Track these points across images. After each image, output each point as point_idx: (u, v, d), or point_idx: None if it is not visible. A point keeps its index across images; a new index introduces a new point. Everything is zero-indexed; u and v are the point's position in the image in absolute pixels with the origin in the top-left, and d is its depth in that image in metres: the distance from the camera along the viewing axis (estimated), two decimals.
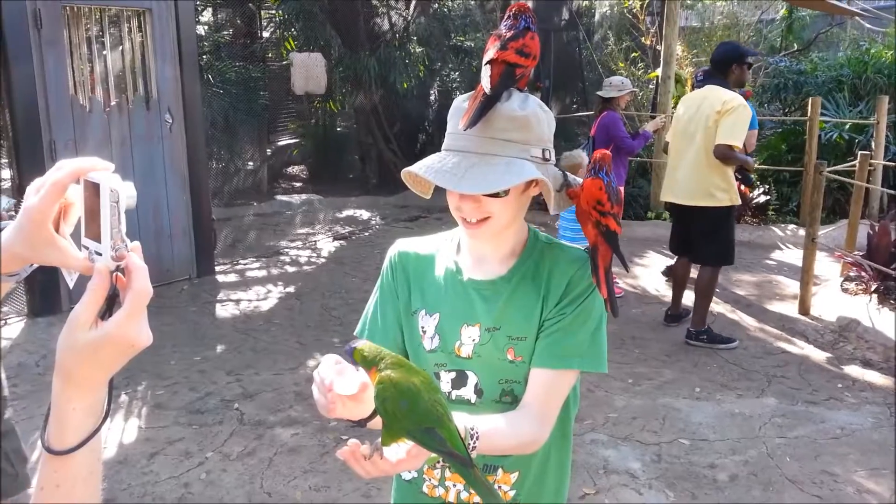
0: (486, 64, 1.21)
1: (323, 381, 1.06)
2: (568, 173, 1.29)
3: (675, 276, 5.01)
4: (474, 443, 1.07)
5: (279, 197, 9.29)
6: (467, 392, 1.28)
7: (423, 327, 1.31)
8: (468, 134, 1.18)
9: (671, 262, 6.06)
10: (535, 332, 1.26)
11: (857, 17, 11.52)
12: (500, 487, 1.29)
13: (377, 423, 1.19)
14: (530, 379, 1.25)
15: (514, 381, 1.27)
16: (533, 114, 1.20)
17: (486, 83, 1.18)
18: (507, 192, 1.20)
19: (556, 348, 1.23)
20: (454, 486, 1.30)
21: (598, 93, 5.83)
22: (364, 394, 1.10)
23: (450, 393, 1.29)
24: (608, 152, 1.28)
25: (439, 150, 1.23)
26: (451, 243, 1.36)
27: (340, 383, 1.06)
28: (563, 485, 1.39)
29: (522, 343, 1.26)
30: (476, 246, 1.31)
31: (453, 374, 1.29)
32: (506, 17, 1.25)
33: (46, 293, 4.87)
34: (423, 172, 1.18)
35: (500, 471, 1.29)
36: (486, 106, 1.17)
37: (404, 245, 1.40)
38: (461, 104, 1.22)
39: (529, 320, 1.26)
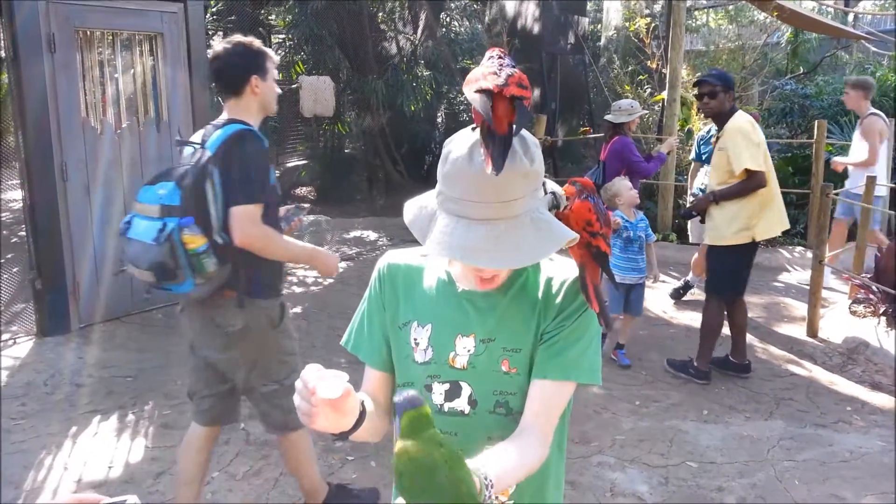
0: (480, 94, 1.14)
1: (306, 385, 1.05)
2: (556, 192, 1.28)
3: (742, 321, 4.49)
4: (489, 492, 1.05)
5: None
6: (461, 403, 1.28)
7: (415, 339, 1.31)
8: (485, 202, 1.12)
9: (678, 283, 6.06)
10: (531, 343, 1.26)
11: (862, 41, 11.59)
12: (497, 497, 1.29)
13: (360, 434, 1.19)
14: (531, 392, 1.24)
15: (508, 393, 1.27)
16: (537, 158, 1.17)
17: (496, 122, 1.12)
18: None
19: (558, 360, 1.23)
20: None
21: (608, 117, 5.66)
22: (346, 403, 1.10)
23: (443, 405, 1.28)
24: (591, 181, 1.31)
25: None
26: None
27: (324, 387, 1.05)
28: (560, 498, 1.40)
29: (517, 355, 1.26)
30: None
31: (447, 386, 1.28)
32: (488, 57, 1.21)
33: (55, 313, 4.90)
34: (456, 255, 1.13)
35: None
36: (508, 144, 1.12)
37: (394, 257, 1.39)
38: (463, 165, 1.14)
39: (525, 332, 1.26)
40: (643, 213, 4.72)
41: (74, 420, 3.73)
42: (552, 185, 1.27)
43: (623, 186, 4.54)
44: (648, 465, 3.40)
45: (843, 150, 7.89)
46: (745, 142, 4.07)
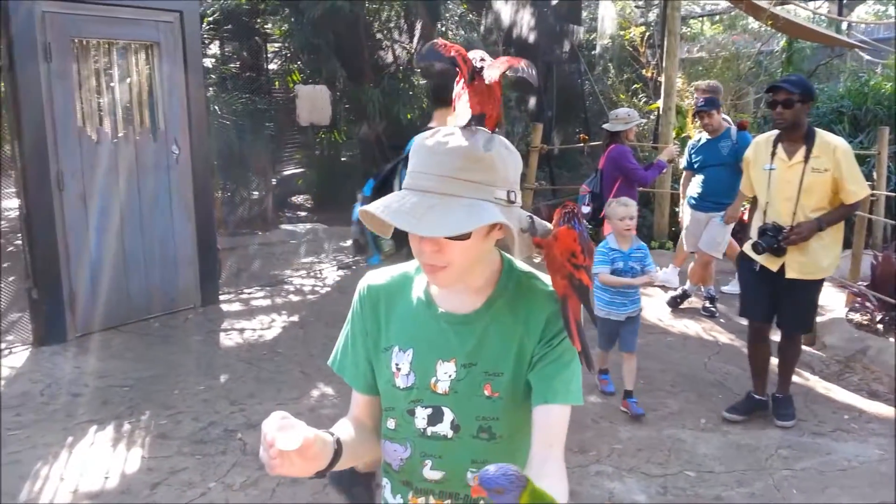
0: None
1: (265, 437, 1.06)
2: (534, 217, 1.26)
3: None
4: None
5: (284, 226, 9.33)
6: (444, 428, 1.26)
7: (396, 364, 1.29)
8: (430, 173, 1.14)
9: (675, 292, 6.07)
10: (512, 366, 1.24)
11: (856, 49, 11.65)
12: None
13: (343, 465, 1.22)
14: (536, 420, 1.20)
15: (491, 418, 1.25)
16: (498, 154, 1.16)
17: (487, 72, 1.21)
18: (468, 236, 1.15)
19: (555, 383, 1.21)
20: None
21: (605, 126, 5.65)
22: (310, 451, 1.11)
23: (425, 429, 1.27)
24: (576, 203, 1.29)
25: None
26: (422, 273, 1.30)
27: (283, 439, 1.06)
28: None
29: (499, 379, 1.24)
30: None
31: (430, 411, 1.27)
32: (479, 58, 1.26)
33: (52, 322, 4.88)
34: (381, 212, 1.14)
35: (482, 503, 1.28)
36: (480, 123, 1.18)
37: (373, 278, 1.37)
38: (423, 142, 1.18)
39: (507, 356, 1.24)
40: (641, 241, 4.12)
41: (71, 430, 3.71)
42: (536, 219, 1.26)
43: (614, 213, 3.97)
44: (647, 474, 3.39)
45: None
46: (855, 163, 3.72)
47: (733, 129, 5.63)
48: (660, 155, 5.97)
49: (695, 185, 5.74)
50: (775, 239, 3.74)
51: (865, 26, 14.50)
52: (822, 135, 3.77)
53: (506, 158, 1.18)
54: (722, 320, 5.74)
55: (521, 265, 1.32)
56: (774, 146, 3.83)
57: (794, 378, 4.61)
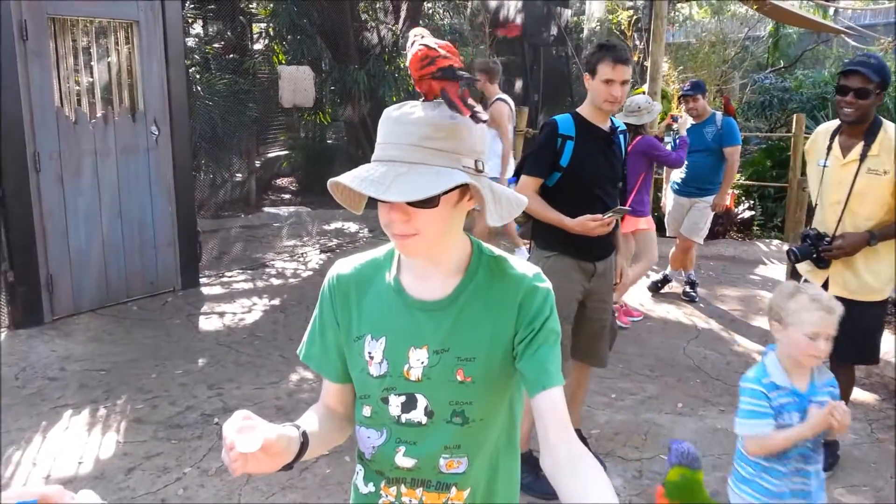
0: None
1: (225, 440, 1.07)
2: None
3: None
4: None
5: (267, 209, 9.28)
6: (417, 415, 1.26)
7: (369, 353, 1.28)
8: (397, 143, 1.15)
9: (657, 277, 6.09)
10: (485, 350, 1.24)
11: (842, 35, 11.66)
12: None
13: (310, 455, 1.23)
14: (540, 407, 1.19)
15: (464, 403, 1.25)
16: (463, 122, 1.17)
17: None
18: (437, 203, 1.15)
19: (549, 366, 1.21)
20: (410, 501, 1.29)
21: (629, 120, 4.89)
22: (273, 448, 1.11)
23: (399, 416, 1.27)
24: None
25: None
26: (392, 260, 1.31)
27: (242, 441, 1.07)
28: (515, 493, 1.39)
29: (472, 364, 1.24)
30: (418, 264, 1.27)
31: (403, 398, 1.26)
32: (420, 37, 1.25)
33: (28, 305, 4.84)
34: (350, 182, 1.13)
35: (453, 489, 1.28)
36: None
37: (343, 267, 1.35)
38: (390, 113, 1.18)
39: (479, 340, 1.24)
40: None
41: (45, 415, 3.68)
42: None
43: (802, 318, 2.09)
44: (623, 458, 3.41)
45: None
46: None
47: (718, 114, 5.62)
48: (676, 129, 5.52)
49: (678, 170, 5.74)
50: (814, 248, 3.21)
51: (852, 12, 14.51)
52: (888, 129, 3.11)
53: (472, 127, 1.18)
54: (702, 305, 5.78)
55: (491, 249, 1.31)
56: (832, 139, 3.25)
57: None
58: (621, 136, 3.13)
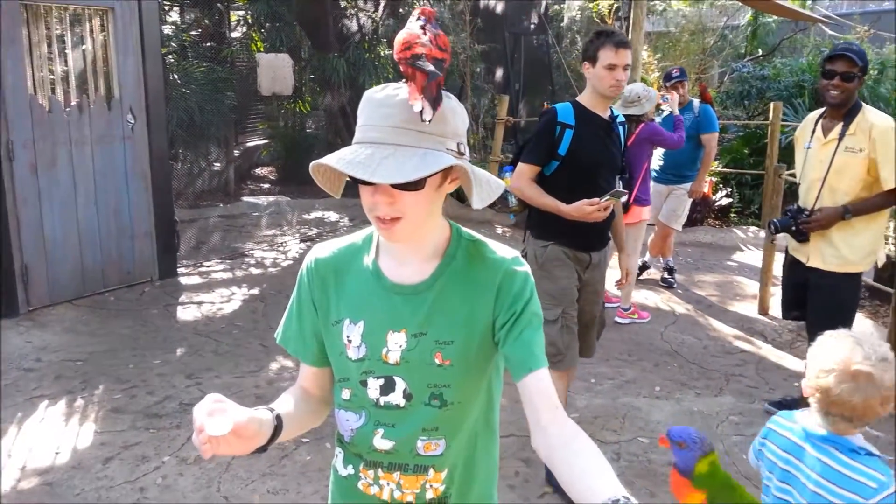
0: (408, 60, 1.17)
1: (195, 422, 1.07)
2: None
3: None
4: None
5: (246, 198, 9.21)
6: (396, 398, 1.27)
7: (347, 336, 1.29)
8: (381, 125, 1.15)
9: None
10: (463, 333, 1.24)
11: (819, 24, 11.75)
12: (431, 486, 1.30)
13: (284, 437, 1.26)
14: (528, 389, 1.19)
15: (442, 385, 1.26)
16: (447, 106, 1.17)
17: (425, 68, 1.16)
18: (422, 186, 1.15)
19: (534, 348, 1.22)
20: (388, 484, 1.30)
21: (631, 111, 4.73)
22: (246, 431, 1.11)
23: (378, 399, 1.28)
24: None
25: None
26: (370, 245, 1.31)
27: (212, 424, 1.07)
28: (493, 474, 1.40)
29: (450, 347, 1.24)
30: (396, 248, 1.27)
31: (381, 381, 1.27)
32: (416, 18, 1.24)
33: (3, 296, 4.77)
34: (336, 164, 1.13)
35: (430, 471, 1.29)
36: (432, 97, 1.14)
37: (321, 251, 1.35)
38: (373, 95, 1.18)
39: (457, 324, 1.25)
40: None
41: (20, 406, 3.65)
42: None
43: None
44: (601, 441, 3.45)
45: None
46: (894, 146, 3.21)
47: (696, 101, 5.66)
48: (673, 109, 5.32)
49: (656, 158, 5.76)
50: (793, 220, 3.43)
51: (829, 1, 14.63)
52: (867, 111, 3.31)
53: (455, 110, 1.19)
54: (679, 291, 5.83)
55: (469, 233, 1.31)
56: (816, 123, 3.46)
57: (746, 346, 4.71)
58: (620, 128, 3.10)
